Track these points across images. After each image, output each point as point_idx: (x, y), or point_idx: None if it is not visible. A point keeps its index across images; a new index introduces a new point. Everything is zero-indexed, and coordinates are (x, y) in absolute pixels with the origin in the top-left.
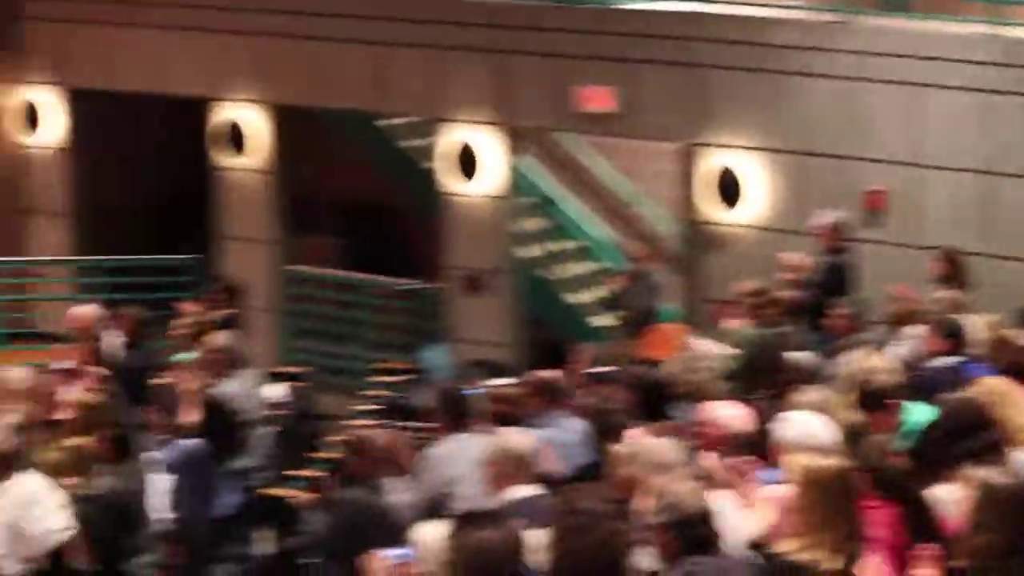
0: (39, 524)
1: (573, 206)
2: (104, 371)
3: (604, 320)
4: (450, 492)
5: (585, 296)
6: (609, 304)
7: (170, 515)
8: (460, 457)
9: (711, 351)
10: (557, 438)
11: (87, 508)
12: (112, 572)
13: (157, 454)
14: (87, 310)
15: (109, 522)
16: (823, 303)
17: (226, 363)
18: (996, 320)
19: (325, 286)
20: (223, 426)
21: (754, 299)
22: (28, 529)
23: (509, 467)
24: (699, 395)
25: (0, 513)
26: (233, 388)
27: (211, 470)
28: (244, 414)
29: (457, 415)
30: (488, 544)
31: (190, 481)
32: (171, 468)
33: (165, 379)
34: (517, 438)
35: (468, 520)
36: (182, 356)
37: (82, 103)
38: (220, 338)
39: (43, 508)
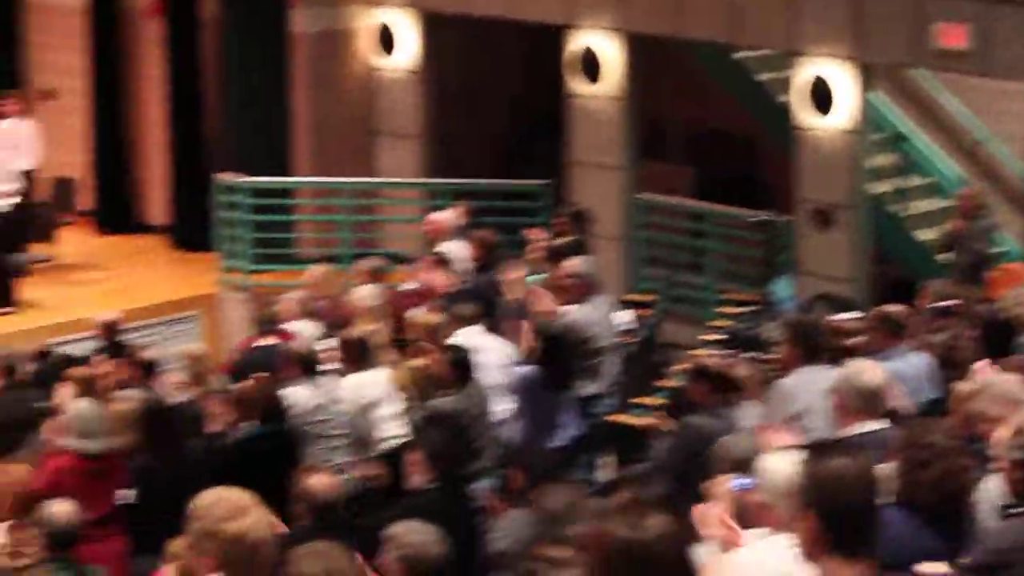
0: (377, 426)
1: (924, 142)
2: (450, 290)
3: (949, 257)
4: (798, 423)
5: (933, 233)
6: (945, 244)
7: (509, 439)
8: (809, 389)
9: None
10: (901, 373)
11: (429, 427)
12: (452, 492)
13: (499, 377)
14: (445, 216)
15: (450, 442)
16: None
17: (579, 289)
18: None
19: (674, 214)
20: (565, 353)
21: None
22: (367, 427)
23: (858, 400)
24: None
25: (345, 403)
26: (585, 314)
27: (549, 396)
28: (595, 340)
29: (808, 347)
30: (843, 473)
31: (529, 406)
32: (511, 392)
33: (512, 303)
34: (867, 372)
35: (821, 450)
36: (534, 279)
37: (435, 27)
38: (574, 264)
39: (383, 412)
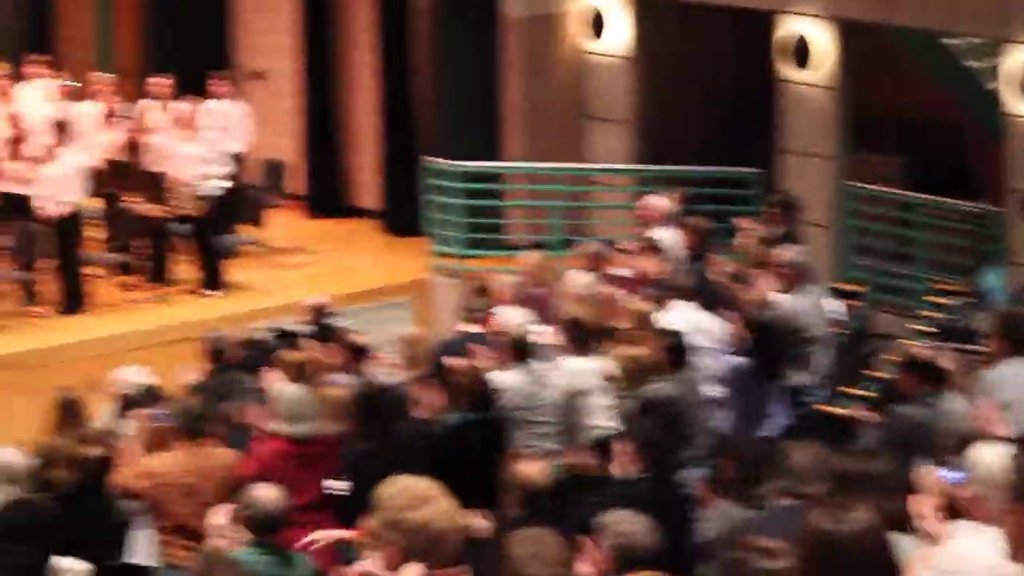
0: (588, 414)
1: None
2: (662, 277)
3: None
4: (1005, 415)
5: None
6: None
7: (720, 428)
8: (1017, 381)
9: None
10: None
11: (641, 415)
12: (663, 481)
13: (711, 366)
14: (659, 202)
15: (662, 430)
16: None
17: (791, 277)
18: None
19: (884, 204)
20: (777, 343)
21: None
22: (577, 415)
23: None
24: None
25: (556, 389)
26: (797, 303)
27: (760, 386)
28: (807, 330)
29: (1017, 339)
30: None
31: (739, 395)
32: (722, 382)
33: (726, 291)
34: None
35: None
36: (734, 267)
37: (647, 11)
38: (788, 253)
39: (595, 401)
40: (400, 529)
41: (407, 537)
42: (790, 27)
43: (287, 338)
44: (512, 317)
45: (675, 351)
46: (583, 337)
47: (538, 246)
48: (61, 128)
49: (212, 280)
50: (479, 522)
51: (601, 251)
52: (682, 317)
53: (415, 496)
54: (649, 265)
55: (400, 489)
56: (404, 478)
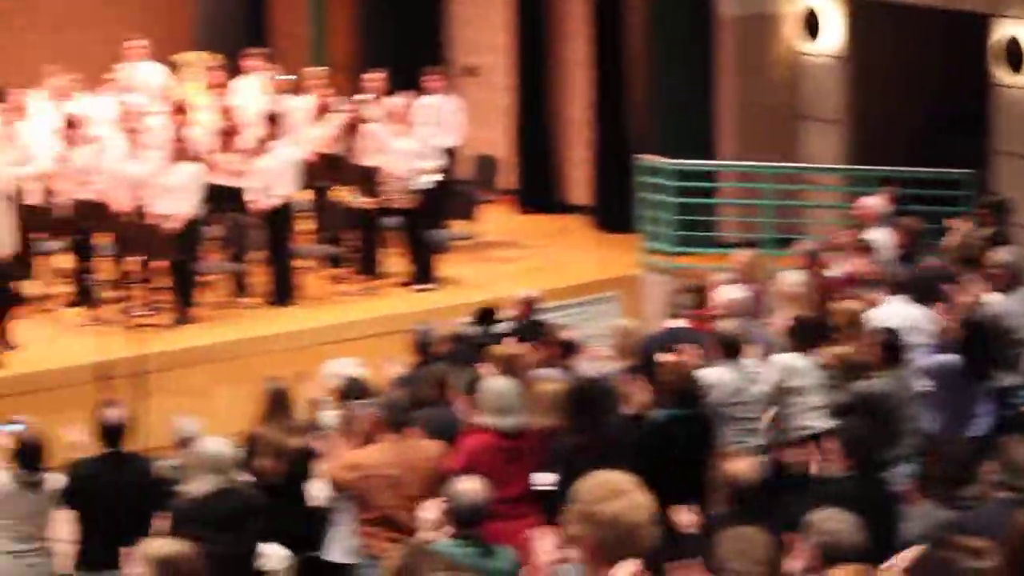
0: (799, 412)
1: None
2: (874, 277)
3: None
4: None
5: None
6: None
7: (928, 427)
8: None
9: None
10: None
11: (851, 413)
12: (870, 478)
13: (921, 363)
14: (874, 202)
15: (871, 429)
16: None
17: (1004, 279)
18: None
19: None
20: (987, 343)
21: None
22: (786, 412)
23: None
24: None
25: (767, 385)
26: (1010, 304)
27: (968, 386)
28: (1017, 332)
29: None
30: None
31: (947, 394)
32: (930, 379)
33: (938, 290)
34: None
35: None
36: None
37: (861, 12)
38: (1000, 254)
39: (806, 400)
40: (593, 522)
41: (600, 530)
42: (1004, 30)
43: (488, 321)
44: (733, 293)
45: (889, 348)
46: (800, 334)
47: (750, 244)
48: (274, 121)
49: (423, 274)
50: (685, 517)
51: (815, 250)
52: (895, 312)
53: (609, 489)
54: (862, 265)
55: (596, 483)
56: (603, 472)
